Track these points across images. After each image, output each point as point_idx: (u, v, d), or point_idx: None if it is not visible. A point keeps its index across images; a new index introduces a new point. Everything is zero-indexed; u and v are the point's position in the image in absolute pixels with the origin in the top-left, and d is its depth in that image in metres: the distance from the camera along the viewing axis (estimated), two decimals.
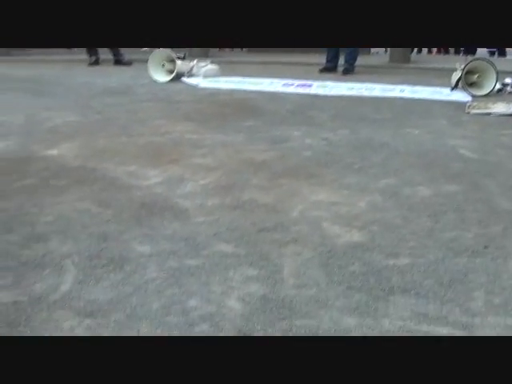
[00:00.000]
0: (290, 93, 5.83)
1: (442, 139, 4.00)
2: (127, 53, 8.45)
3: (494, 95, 5.52)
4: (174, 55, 6.60)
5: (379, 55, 10.05)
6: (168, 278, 2.15)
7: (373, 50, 10.70)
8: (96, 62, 8.19)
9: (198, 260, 2.28)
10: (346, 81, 6.40)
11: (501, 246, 2.38)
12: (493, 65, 5.57)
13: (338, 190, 3.02)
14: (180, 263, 2.26)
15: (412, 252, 2.34)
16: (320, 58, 7.15)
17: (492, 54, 10.89)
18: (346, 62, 7.14)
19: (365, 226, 2.58)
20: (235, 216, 2.69)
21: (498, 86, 5.68)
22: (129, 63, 8.09)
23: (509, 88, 5.78)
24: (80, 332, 1.83)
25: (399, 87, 5.97)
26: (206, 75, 6.69)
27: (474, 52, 8.64)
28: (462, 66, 5.69)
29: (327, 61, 7.27)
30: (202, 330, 1.84)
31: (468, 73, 5.66)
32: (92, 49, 8.18)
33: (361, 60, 7.09)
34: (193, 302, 1.99)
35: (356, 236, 2.49)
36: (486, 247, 2.38)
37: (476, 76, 5.67)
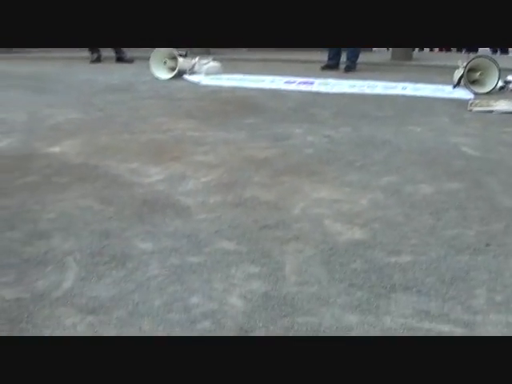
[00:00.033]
0: (292, 90, 5.83)
1: (444, 137, 3.99)
2: (129, 50, 8.45)
3: (497, 93, 5.51)
4: (175, 52, 6.60)
5: (381, 53, 10.04)
6: (170, 276, 2.15)
7: None
8: (98, 60, 8.19)
9: (200, 257, 2.29)
10: (347, 78, 6.39)
11: (503, 244, 2.38)
12: (495, 62, 5.56)
13: (339, 187, 3.02)
14: (182, 260, 2.27)
15: (414, 249, 2.34)
16: (322, 56, 7.14)
17: (494, 51, 10.87)
18: (347, 59, 7.13)
19: (366, 224, 2.58)
20: (237, 213, 2.70)
21: (501, 83, 5.67)
22: (131, 60, 8.09)
23: (511, 85, 5.77)
24: (82, 329, 1.83)
25: (401, 85, 5.96)
26: (208, 73, 6.69)
27: (476, 50, 8.62)
28: (465, 64, 5.68)
29: (329, 58, 7.26)
30: (204, 327, 1.84)
31: (470, 70, 5.65)
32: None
33: (363, 57, 7.07)
34: (195, 300, 2.00)
35: (358, 233, 2.49)
36: (487, 245, 2.38)
37: (478, 73, 5.66)
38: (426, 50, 11.50)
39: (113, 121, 4.48)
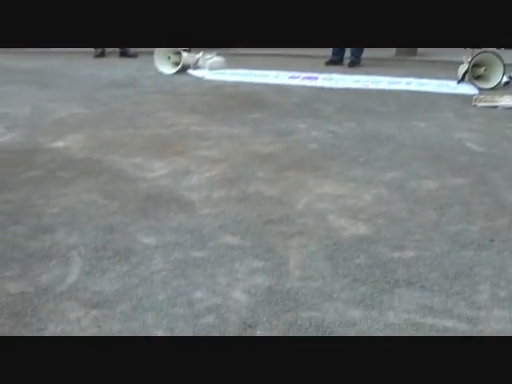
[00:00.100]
0: (296, 85, 5.81)
1: (448, 132, 3.98)
2: None
3: (501, 88, 5.48)
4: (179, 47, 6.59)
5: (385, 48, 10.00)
6: (174, 270, 2.16)
7: None
8: (102, 54, 8.18)
9: (204, 252, 2.29)
10: (352, 73, 6.38)
11: (507, 239, 2.38)
12: (500, 58, 5.54)
13: (343, 182, 3.02)
14: (186, 255, 2.27)
15: (418, 245, 2.34)
16: (326, 51, 7.12)
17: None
18: (352, 54, 7.10)
19: (370, 219, 2.58)
20: (241, 208, 2.70)
21: (505, 78, 5.64)
22: (134, 55, 8.08)
23: None
24: (86, 323, 1.84)
25: (406, 80, 5.94)
26: (212, 67, 6.68)
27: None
28: (469, 59, 5.66)
29: (333, 53, 7.24)
30: (208, 321, 1.84)
31: (475, 66, 5.63)
32: None
33: (367, 53, 7.05)
34: (198, 294, 2.00)
35: (361, 229, 2.49)
36: (491, 240, 2.37)
37: (483, 69, 5.64)
38: None
39: (116, 115, 4.48)
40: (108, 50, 8.25)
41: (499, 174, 3.13)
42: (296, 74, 6.33)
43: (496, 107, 4.76)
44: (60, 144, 3.71)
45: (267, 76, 6.29)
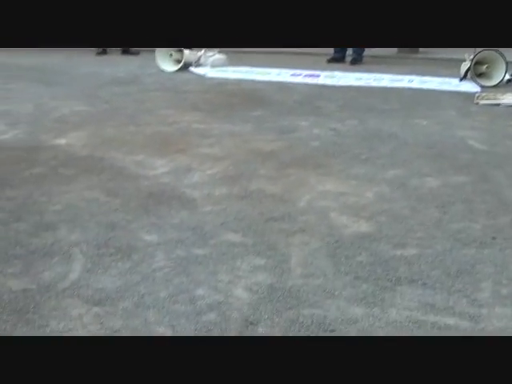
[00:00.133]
0: (298, 83, 5.81)
1: (450, 130, 3.98)
2: None
3: (504, 86, 5.47)
4: None
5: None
6: (175, 267, 2.16)
7: None
8: (103, 52, 8.18)
9: (206, 249, 2.29)
10: (354, 71, 6.37)
11: (509, 237, 2.38)
12: (502, 55, 5.53)
13: (345, 180, 3.02)
14: (187, 252, 2.27)
15: (419, 243, 2.34)
16: (328, 49, 7.11)
17: None
18: (353, 52, 7.09)
19: (372, 217, 2.58)
20: (243, 206, 2.70)
21: (508, 76, 5.63)
22: (136, 53, 8.08)
23: None
24: (88, 320, 1.84)
25: (408, 77, 5.93)
26: (214, 65, 6.67)
27: None
28: (471, 57, 5.65)
29: (335, 51, 7.23)
30: (210, 318, 1.84)
31: (477, 63, 5.62)
32: None
33: (369, 50, 7.03)
34: (200, 291, 2.00)
35: (363, 226, 2.49)
36: (493, 238, 2.37)
37: (485, 66, 5.63)
38: None
39: (118, 113, 4.49)
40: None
41: (501, 172, 3.13)
42: (298, 71, 6.32)
43: (498, 105, 4.75)
44: (62, 141, 3.71)
45: (269, 73, 6.29)
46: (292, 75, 6.18)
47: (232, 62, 6.79)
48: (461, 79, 5.74)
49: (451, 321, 1.83)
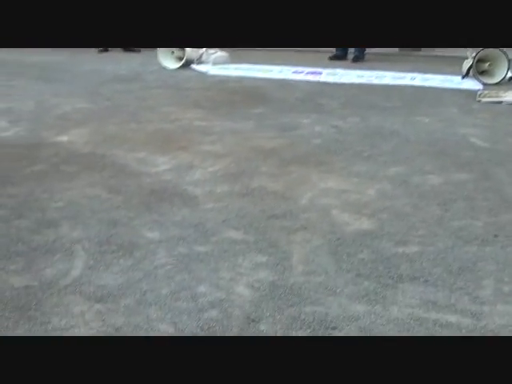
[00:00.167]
0: (300, 80, 5.80)
1: (452, 127, 3.97)
2: None
3: (506, 83, 5.46)
4: None
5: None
6: (177, 264, 2.16)
7: None
8: (105, 49, 8.18)
9: (207, 246, 2.29)
10: (355, 68, 6.36)
11: (511, 235, 2.38)
12: (504, 53, 5.51)
13: (347, 177, 3.02)
14: (189, 249, 2.27)
15: (421, 240, 2.34)
16: None
17: None
18: (355, 49, 7.08)
19: (374, 214, 2.58)
20: (244, 203, 2.70)
21: (510, 74, 5.62)
22: (138, 50, 8.07)
23: None
24: (90, 317, 1.85)
25: (410, 75, 5.91)
26: (216, 62, 6.67)
27: None
28: (474, 54, 5.63)
29: (337, 49, 7.22)
30: (211, 315, 1.85)
31: (479, 61, 5.61)
32: None
33: (371, 48, 7.02)
34: (202, 288, 2.00)
35: (365, 224, 2.49)
36: (495, 236, 2.37)
37: (487, 64, 5.62)
38: None
39: (120, 110, 4.49)
40: None
41: (503, 170, 3.12)
42: (300, 68, 6.31)
43: (500, 103, 4.74)
44: (64, 138, 3.71)
45: (271, 71, 6.28)
46: (294, 72, 6.17)
47: (234, 60, 6.78)
48: (463, 77, 5.73)
49: (453, 318, 1.83)
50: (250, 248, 2.28)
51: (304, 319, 1.82)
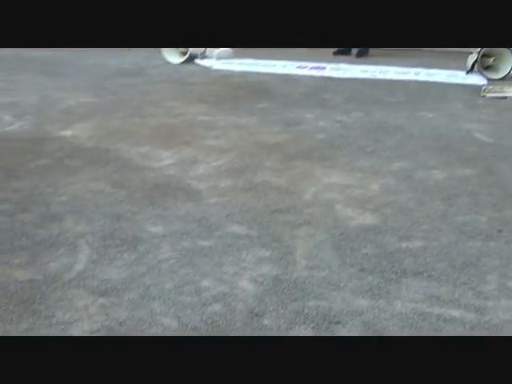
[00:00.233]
0: (304, 75, 5.79)
1: (456, 123, 3.96)
2: None
3: (510, 79, 5.44)
4: None
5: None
6: (181, 259, 2.16)
7: None
8: None
9: (211, 241, 2.29)
10: (359, 63, 6.34)
11: None
12: (509, 48, 5.49)
13: (351, 172, 3.01)
14: (193, 244, 2.27)
15: (425, 235, 2.34)
16: None
17: None
18: None
19: (378, 209, 2.57)
20: (248, 198, 2.70)
21: None
22: None
23: None
24: (94, 311, 1.85)
25: (414, 70, 5.90)
26: (220, 57, 6.66)
27: None
28: (478, 49, 5.62)
29: None
30: (215, 309, 1.85)
31: (484, 56, 5.59)
32: None
33: None
34: (205, 283, 2.01)
35: (369, 218, 2.49)
36: (499, 231, 2.37)
37: (492, 59, 5.60)
38: None
39: (124, 104, 4.48)
40: None
41: (508, 165, 3.11)
42: (304, 63, 6.30)
43: (505, 98, 4.73)
44: (68, 133, 3.71)
45: (275, 66, 6.27)
46: (298, 67, 6.16)
47: (238, 55, 6.77)
48: (467, 72, 5.71)
49: (456, 313, 1.83)
50: (253, 242, 2.28)
51: (307, 314, 1.83)
